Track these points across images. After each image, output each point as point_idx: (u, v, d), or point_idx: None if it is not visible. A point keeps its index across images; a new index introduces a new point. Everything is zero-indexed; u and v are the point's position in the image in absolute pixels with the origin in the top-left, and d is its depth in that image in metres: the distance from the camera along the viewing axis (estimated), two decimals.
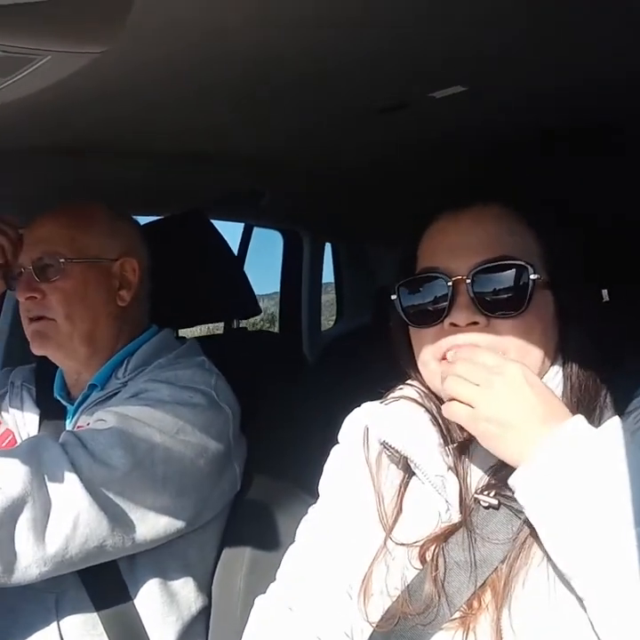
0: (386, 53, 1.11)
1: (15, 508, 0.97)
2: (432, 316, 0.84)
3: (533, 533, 0.75)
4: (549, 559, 0.73)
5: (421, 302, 0.85)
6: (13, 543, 0.97)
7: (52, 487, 1.01)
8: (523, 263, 0.81)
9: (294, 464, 1.30)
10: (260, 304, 1.70)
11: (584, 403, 0.81)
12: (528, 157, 1.70)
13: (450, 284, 0.82)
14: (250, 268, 2.39)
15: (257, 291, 1.63)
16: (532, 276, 0.81)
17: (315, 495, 0.98)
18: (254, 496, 1.25)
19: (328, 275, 2.82)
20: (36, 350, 1.25)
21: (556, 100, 1.44)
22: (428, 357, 0.85)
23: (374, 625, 0.82)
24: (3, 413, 1.32)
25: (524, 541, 0.76)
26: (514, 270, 0.81)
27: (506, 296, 0.81)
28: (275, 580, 0.98)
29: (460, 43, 1.09)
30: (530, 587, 0.74)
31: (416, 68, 1.20)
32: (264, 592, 0.98)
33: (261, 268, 2.80)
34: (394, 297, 0.88)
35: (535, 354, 0.82)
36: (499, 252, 0.82)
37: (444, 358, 0.83)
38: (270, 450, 1.30)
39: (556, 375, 0.84)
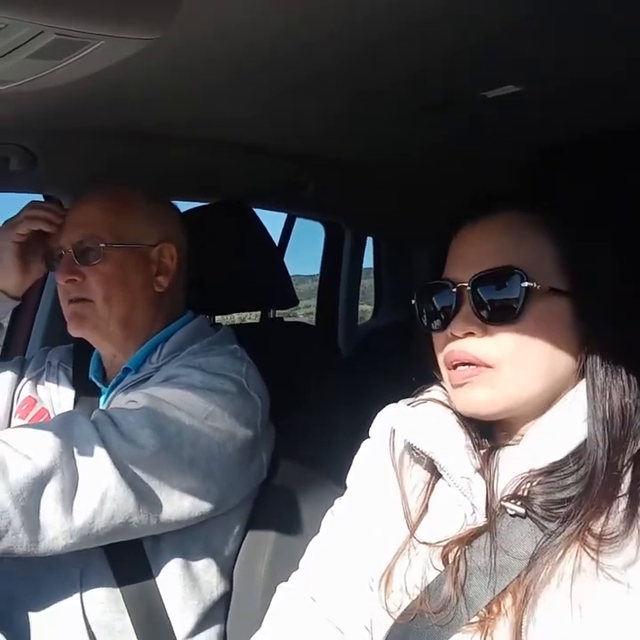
0: (436, 49, 1.10)
1: (44, 479, 0.99)
2: (440, 323, 0.86)
3: (558, 549, 0.74)
4: (575, 577, 0.72)
5: (433, 309, 0.87)
6: (41, 513, 0.99)
7: (82, 461, 1.03)
8: (515, 270, 0.80)
9: (321, 455, 1.30)
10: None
11: (612, 431, 0.78)
12: (580, 160, 1.66)
13: (454, 290, 0.84)
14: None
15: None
16: (523, 284, 0.79)
17: (341, 486, 0.98)
18: (280, 485, 1.25)
19: (368, 261, 2.81)
20: (73, 331, 1.27)
21: (612, 104, 1.41)
22: (440, 363, 0.87)
23: (393, 615, 0.82)
24: (39, 392, 1.34)
25: (548, 557, 0.75)
26: (509, 277, 0.81)
27: (499, 303, 0.81)
28: (297, 568, 0.98)
29: (514, 42, 1.07)
30: (552, 599, 0.73)
31: (467, 66, 1.18)
32: (285, 580, 0.98)
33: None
34: (413, 301, 0.90)
35: (533, 366, 0.80)
36: (502, 261, 0.82)
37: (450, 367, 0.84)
38: (298, 440, 1.30)
39: (577, 392, 0.81)
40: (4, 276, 1.31)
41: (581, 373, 0.82)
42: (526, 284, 0.79)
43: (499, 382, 0.81)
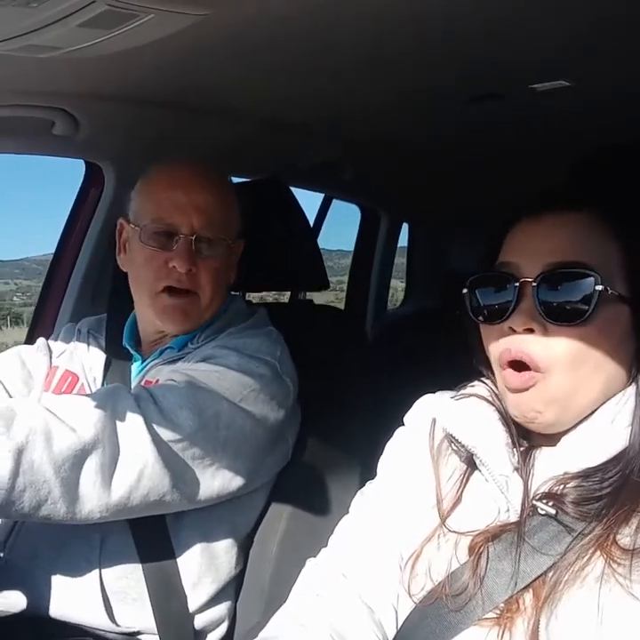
0: (489, 40, 1.08)
1: (86, 452, 1.00)
2: (496, 315, 0.83)
3: (585, 551, 0.74)
4: (600, 581, 0.72)
5: (489, 300, 0.84)
6: (81, 486, 1.00)
7: (123, 437, 1.03)
8: (590, 272, 0.77)
9: (344, 440, 1.31)
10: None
11: None
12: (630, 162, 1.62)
13: (517, 285, 0.81)
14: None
15: None
16: (597, 287, 0.77)
17: (361, 471, 0.97)
18: (303, 468, 1.26)
19: (403, 240, 2.80)
20: (173, 326, 1.25)
21: None
22: (492, 357, 0.85)
23: (414, 598, 0.83)
24: (73, 362, 1.33)
25: (575, 561, 0.74)
26: (580, 278, 0.78)
27: (568, 304, 0.78)
28: (308, 547, 0.99)
29: (568, 36, 1.05)
30: (576, 599, 0.73)
31: (519, 58, 1.16)
32: (297, 559, 0.98)
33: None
34: (465, 291, 0.87)
35: (589, 368, 0.79)
36: (571, 258, 0.79)
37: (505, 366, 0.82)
38: (322, 424, 1.30)
39: (627, 400, 0.80)
40: None
41: (629, 382, 0.81)
42: (600, 287, 0.77)
43: (554, 391, 0.79)
